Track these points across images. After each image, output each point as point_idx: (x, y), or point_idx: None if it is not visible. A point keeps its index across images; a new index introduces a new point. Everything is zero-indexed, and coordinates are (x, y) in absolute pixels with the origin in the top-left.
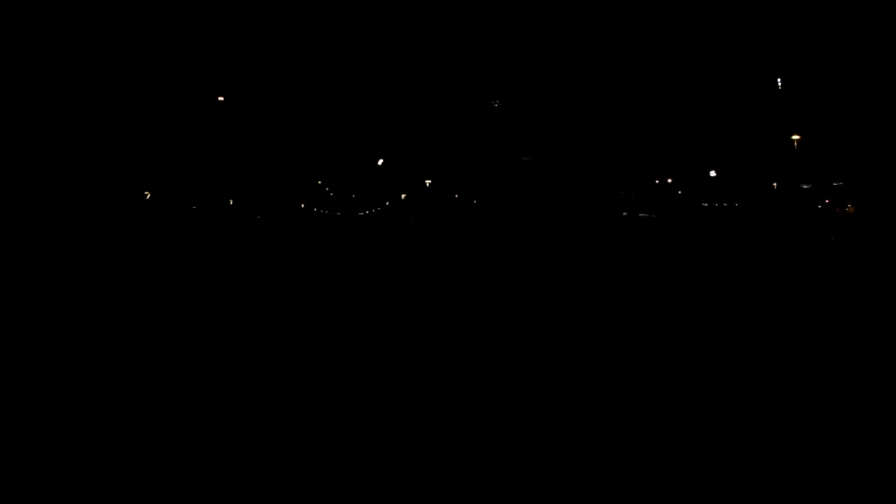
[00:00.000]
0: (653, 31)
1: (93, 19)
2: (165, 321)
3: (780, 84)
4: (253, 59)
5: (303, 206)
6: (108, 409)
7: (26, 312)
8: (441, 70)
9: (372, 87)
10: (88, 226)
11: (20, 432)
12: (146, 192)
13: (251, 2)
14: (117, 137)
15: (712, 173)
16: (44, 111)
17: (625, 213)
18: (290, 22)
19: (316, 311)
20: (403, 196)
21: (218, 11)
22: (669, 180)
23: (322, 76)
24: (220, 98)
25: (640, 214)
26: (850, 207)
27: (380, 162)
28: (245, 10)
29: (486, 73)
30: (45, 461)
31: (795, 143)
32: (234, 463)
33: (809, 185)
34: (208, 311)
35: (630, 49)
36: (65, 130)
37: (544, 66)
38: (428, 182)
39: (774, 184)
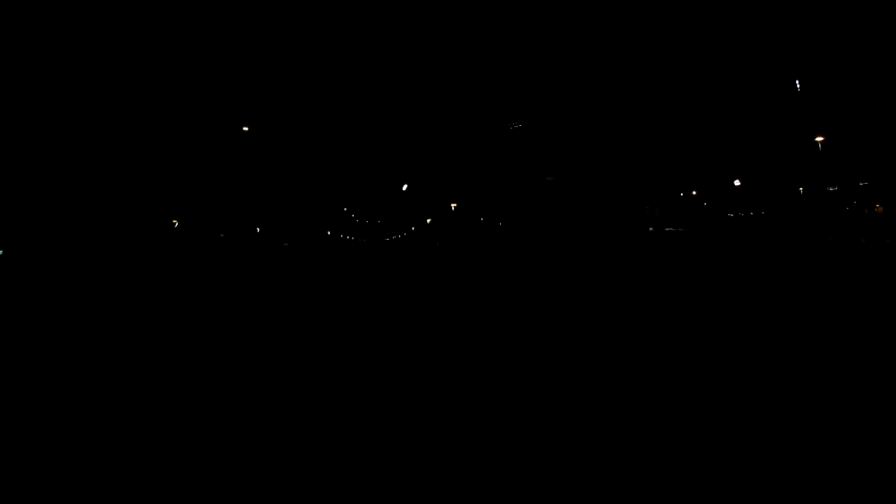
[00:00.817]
0: (670, 45)
1: (124, 54)
2: (194, 344)
3: (798, 86)
4: (278, 88)
5: (329, 232)
6: (142, 427)
7: (70, 337)
8: (462, 94)
9: (395, 115)
10: (119, 252)
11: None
12: (174, 221)
13: (277, 34)
14: (147, 167)
15: (736, 182)
16: (80, 145)
17: (651, 229)
18: (317, 53)
19: (342, 336)
20: (429, 220)
21: (244, 43)
22: (694, 192)
23: (347, 104)
24: (245, 128)
25: (667, 229)
26: (878, 207)
27: (404, 187)
28: (270, 40)
29: (507, 94)
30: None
31: (820, 145)
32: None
33: (836, 188)
34: (236, 335)
35: (647, 63)
36: (99, 162)
37: (561, 86)
38: (453, 206)
39: (801, 188)
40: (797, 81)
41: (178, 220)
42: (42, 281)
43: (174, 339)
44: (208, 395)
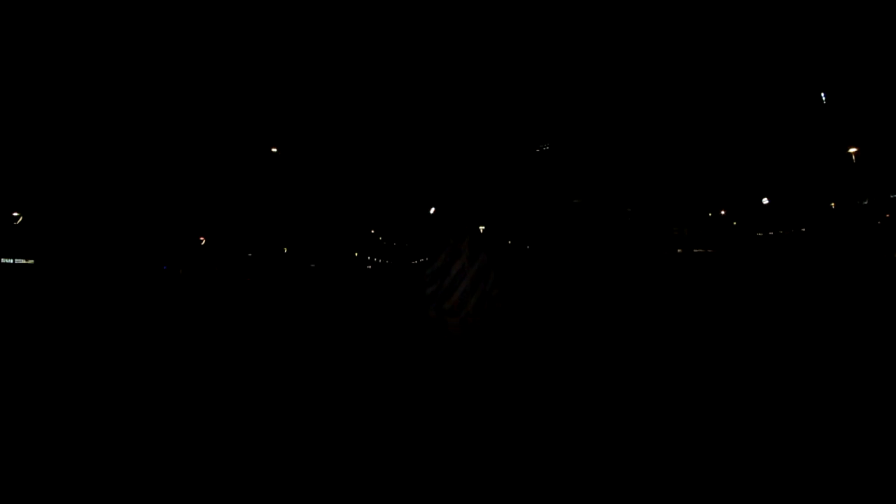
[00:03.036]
0: (696, 64)
1: (160, 81)
2: (219, 361)
3: (823, 98)
4: (308, 111)
5: (356, 254)
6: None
7: (106, 348)
8: (492, 117)
9: (425, 140)
10: (149, 269)
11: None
12: (201, 238)
13: (303, 58)
14: (179, 187)
15: (765, 200)
16: (113, 164)
17: (679, 251)
18: (351, 78)
19: (367, 353)
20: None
21: (278, 66)
22: (723, 212)
23: (377, 128)
24: (274, 150)
25: (696, 250)
26: None
27: (432, 210)
28: (305, 64)
29: (534, 117)
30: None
31: (854, 157)
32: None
33: (867, 201)
34: (262, 353)
35: (673, 83)
36: (134, 183)
37: (587, 108)
38: (482, 228)
39: (832, 203)
40: (822, 94)
41: (205, 238)
42: (73, 293)
43: (194, 355)
44: (222, 408)
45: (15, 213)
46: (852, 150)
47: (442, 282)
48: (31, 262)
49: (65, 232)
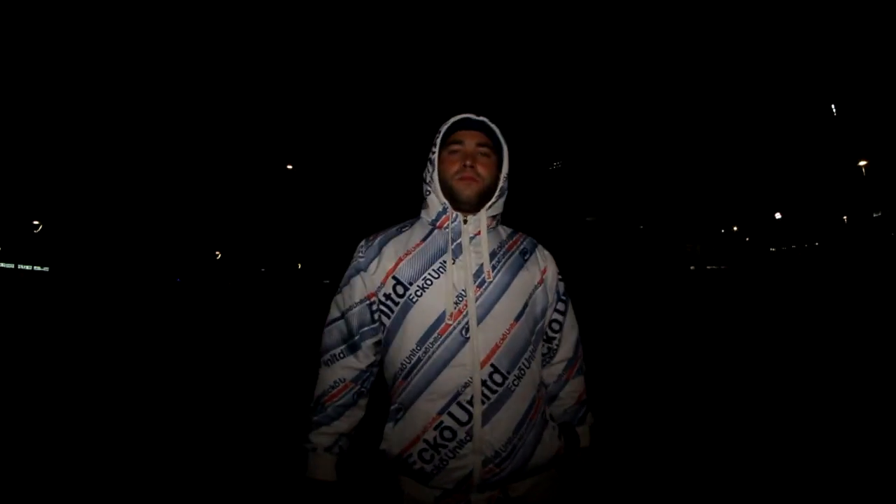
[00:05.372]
0: (706, 80)
1: (176, 95)
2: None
3: (833, 111)
4: (321, 128)
5: None
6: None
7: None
8: (505, 134)
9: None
10: (165, 284)
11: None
12: (217, 252)
13: (316, 76)
14: (196, 203)
15: (777, 215)
16: (135, 180)
17: (692, 267)
18: (355, 94)
19: None
20: None
21: (286, 84)
22: (735, 228)
23: (388, 144)
24: (290, 166)
25: (708, 267)
26: None
27: None
28: (310, 82)
29: (548, 134)
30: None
31: (864, 170)
32: None
33: (879, 214)
34: (268, 363)
35: (684, 99)
36: (154, 198)
37: (600, 125)
38: None
39: (844, 216)
40: (833, 106)
41: (221, 253)
42: (86, 301)
43: (196, 362)
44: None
45: (35, 222)
46: (862, 162)
47: None
48: (45, 269)
49: (83, 242)
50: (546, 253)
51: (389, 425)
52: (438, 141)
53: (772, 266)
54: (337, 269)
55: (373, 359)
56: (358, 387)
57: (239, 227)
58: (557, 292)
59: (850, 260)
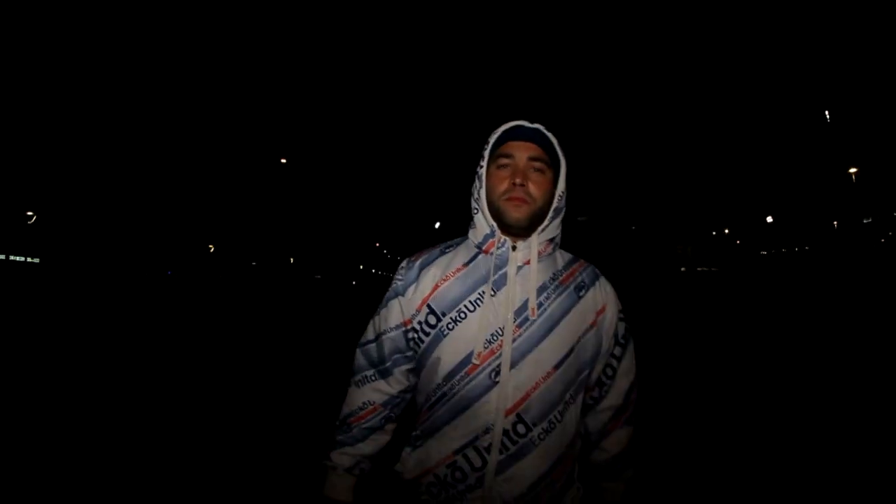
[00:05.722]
0: (697, 84)
1: (167, 88)
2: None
3: (827, 117)
4: (317, 123)
5: (361, 266)
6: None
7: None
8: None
9: (428, 151)
10: (160, 275)
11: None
12: (210, 246)
13: (312, 74)
14: (190, 195)
15: (769, 219)
16: (126, 172)
17: (683, 269)
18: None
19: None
20: None
21: (281, 77)
22: (727, 230)
23: (383, 140)
24: (283, 160)
25: (699, 268)
26: None
27: (437, 225)
28: (306, 80)
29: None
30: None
31: (853, 177)
32: None
33: (870, 219)
34: (256, 357)
35: (676, 102)
36: (146, 190)
37: (592, 124)
38: None
39: (834, 221)
40: (826, 112)
41: (214, 246)
42: (75, 292)
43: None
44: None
45: (29, 213)
46: (852, 170)
47: None
48: (36, 260)
49: (76, 233)
50: (608, 287)
51: (407, 450)
52: (487, 154)
53: (762, 269)
54: (328, 264)
55: (405, 385)
56: (387, 411)
57: (232, 220)
58: (615, 335)
59: (840, 264)
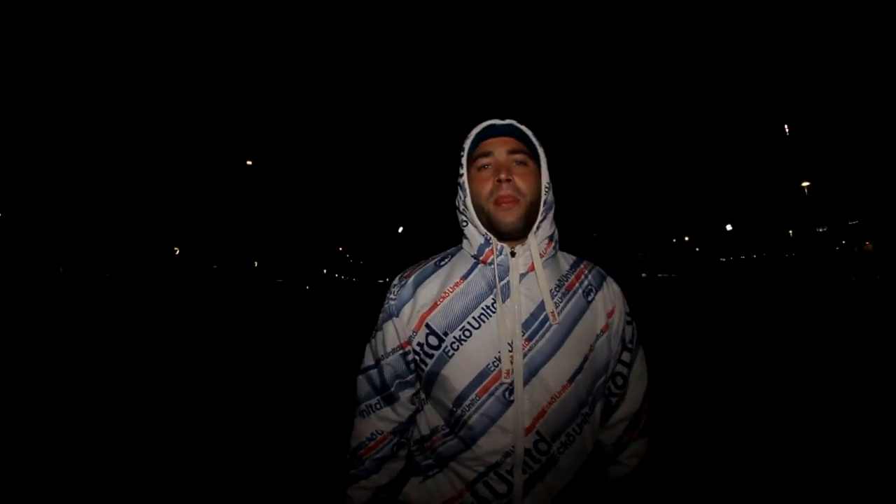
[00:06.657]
0: (659, 90)
1: (143, 87)
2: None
3: (787, 130)
4: (281, 126)
5: (325, 271)
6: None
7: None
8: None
9: (396, 153)
10: (125, 277)
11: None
12: (175, 248)
13: (279, 72)
14: (152, 197)
15: (728, 227)
16: (88, 173)
17: (644, 275)
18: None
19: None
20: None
21: (248, 79)
22: (686, 238)
23: (348, 145)
24: (249, 162)
25: (660, 274)
26: (868, 245)
27: (400, 229)
28: (273, 78)
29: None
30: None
31: (806, 190)
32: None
33: (825, 228)
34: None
35: (638, 113)
36: (105, 191)
37: (557, 134)
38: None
39: (790, 230)
40: (786, 126)
41: (179, 248)
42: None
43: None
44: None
45: None
46: (805, 183)
47: None
48: None
49: (39, 235)
50: (615, 288)
51: (416, 479)
52: (464, 160)
53: (721, 275)
54: (292, 268)
55: (413, 409)
56: (397, 438)
57: (196, 222)
58: (623, 339)
59: (796, 270)
